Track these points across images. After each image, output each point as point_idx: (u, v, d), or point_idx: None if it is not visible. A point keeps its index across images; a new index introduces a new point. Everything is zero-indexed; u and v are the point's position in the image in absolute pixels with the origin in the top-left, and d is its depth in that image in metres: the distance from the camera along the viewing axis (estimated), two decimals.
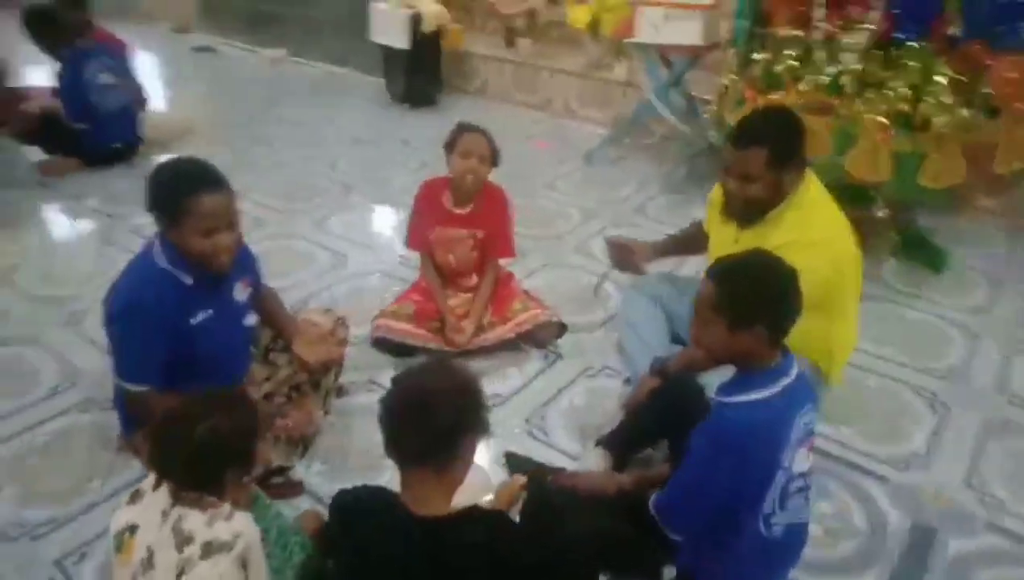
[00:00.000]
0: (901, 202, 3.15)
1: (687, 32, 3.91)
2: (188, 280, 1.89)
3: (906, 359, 2.69)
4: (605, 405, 2.41)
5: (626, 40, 4.28)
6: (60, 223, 3.70)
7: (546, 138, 4.79)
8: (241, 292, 2.10)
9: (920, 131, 2.78)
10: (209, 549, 1.43)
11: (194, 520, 1.45)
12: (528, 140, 4.72)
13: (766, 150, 2.01)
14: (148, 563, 1.45)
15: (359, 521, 1.45)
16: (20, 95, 4.05)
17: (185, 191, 1.81)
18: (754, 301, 1.50)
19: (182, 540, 1.43)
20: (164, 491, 1.49)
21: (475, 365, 2.49)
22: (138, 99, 4.41)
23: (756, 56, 3.11)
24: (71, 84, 3.93)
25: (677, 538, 1.66)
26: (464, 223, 2.66)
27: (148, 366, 1.90)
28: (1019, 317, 2.98)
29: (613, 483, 1.94)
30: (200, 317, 1.94)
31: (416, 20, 4.97)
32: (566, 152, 4.56)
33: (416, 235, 2.74)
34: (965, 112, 2.72)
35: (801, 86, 2.96)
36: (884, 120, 2.79)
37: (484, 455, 2.17)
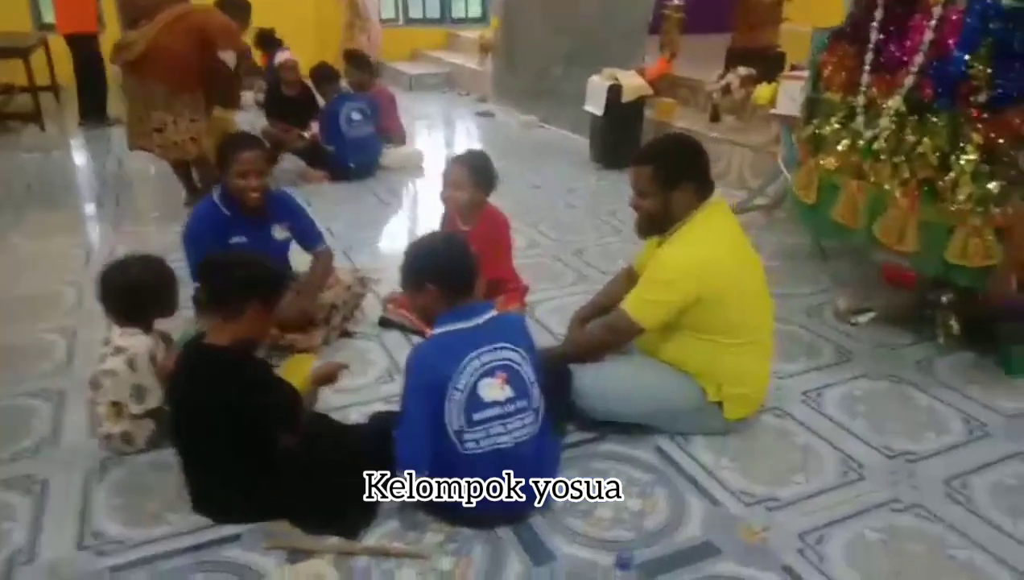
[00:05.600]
0: (968, 289, 2.84)
1: None
2: (226, 212, 2.81)
3: (869, 435, 2.49)
4: None
5: (771, 112, 4.41)
6: None
7: None
8: (280, 233, 2.97)
9: (945, 202, 2.59)
10: (116, 351, 2.27)
11: (115, 334, 2.32)
12: None
13: (651, 168, 2.29)
14: (101, 356, 2.34)
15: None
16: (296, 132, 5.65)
17: (233, 147, 2.76)
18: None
19: (108, 343, 2.31)
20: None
21: None
22: (393, 135, 5.85)
23: (813, 121, 3.13)
24: (328, 116, 5.37)
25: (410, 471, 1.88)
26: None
27: None
28: None
29: None
30: (234, 240, 2.82)
31: (615, 91, 5.59)
32: None
33: None
34: (993, 185, 2.48)
35: (840, 148, 2.93)
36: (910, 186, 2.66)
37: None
